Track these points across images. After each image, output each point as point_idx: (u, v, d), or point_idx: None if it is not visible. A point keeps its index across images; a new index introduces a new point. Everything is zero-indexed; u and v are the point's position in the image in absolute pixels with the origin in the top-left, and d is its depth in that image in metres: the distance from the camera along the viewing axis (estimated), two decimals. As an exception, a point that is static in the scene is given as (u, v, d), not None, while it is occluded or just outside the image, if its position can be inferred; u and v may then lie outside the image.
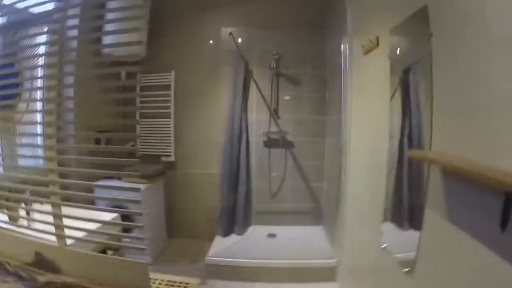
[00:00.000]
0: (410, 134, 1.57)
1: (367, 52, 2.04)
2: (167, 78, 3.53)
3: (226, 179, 3.34)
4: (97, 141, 3.24)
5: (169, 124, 3.54)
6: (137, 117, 3.60)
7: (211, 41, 3.49)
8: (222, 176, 3.35)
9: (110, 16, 3.00)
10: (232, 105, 3.32)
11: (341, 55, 2.64)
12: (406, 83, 1.63)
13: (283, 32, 3.42)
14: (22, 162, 2.19)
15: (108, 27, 3.01)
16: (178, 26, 3.55)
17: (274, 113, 3.46)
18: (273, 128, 3.49)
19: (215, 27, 3.46)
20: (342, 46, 2.66)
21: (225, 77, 3.43)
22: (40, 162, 1.97)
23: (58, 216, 1.61)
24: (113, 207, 3.06)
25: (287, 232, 3.40)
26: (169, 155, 3.57)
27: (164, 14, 3.51)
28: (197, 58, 3.54)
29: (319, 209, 3.54)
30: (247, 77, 3.43)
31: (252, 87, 3.49)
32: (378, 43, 1.89)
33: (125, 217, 3.04)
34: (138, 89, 3.59)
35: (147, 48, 3.29)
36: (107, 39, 3.01)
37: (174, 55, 3.57)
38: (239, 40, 3.41)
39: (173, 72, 3.51)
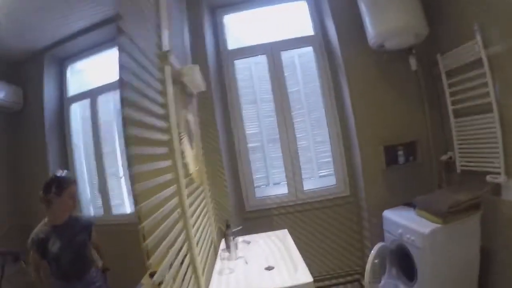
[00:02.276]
0: None
1: None
2: (471, 50, 2.24)
3: None
4: (393, 157, 2.60)
5: (491, 122, 2.19)
6: (451, 117, 2.59)
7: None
8: None
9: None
10: None
11: None
12: None
13: None
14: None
15: (369, 15, 2.45)
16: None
17: None
18: None
19: None
20: None
21: None
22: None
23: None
24: (396, 245, 2.32)
25: None
26: (498, 173, 2.17)
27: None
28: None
29: None
30: None
31: None
32: None
33: (407, 261, 2.20)
34: (444, 78, 2.58)
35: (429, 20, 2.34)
36: (373, 29, 2.43)
37: (473, 14, 2.22)
38: None
39: (478, 38, 2.16)
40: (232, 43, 2.97)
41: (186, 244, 1.32)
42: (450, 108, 2.56)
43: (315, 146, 2.91)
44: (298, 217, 2.78)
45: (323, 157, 2.90)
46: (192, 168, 1.71)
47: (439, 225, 2.06)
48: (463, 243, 2.16)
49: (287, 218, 2.78)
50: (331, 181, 2.89)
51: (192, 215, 1.53)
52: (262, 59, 2.93)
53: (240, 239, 2.14)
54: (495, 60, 2.07)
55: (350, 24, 2.61)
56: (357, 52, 2.63)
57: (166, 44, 1.48)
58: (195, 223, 1.58)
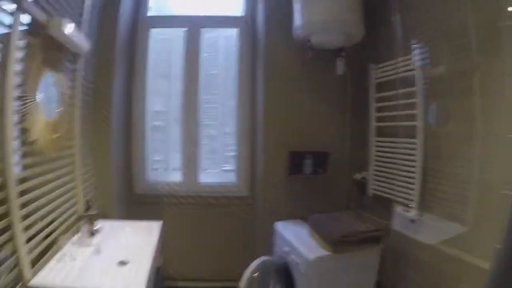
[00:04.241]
0: None
1: None
2: (406, 65, 1.94)
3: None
4: (300, 166, 2.32)
5: (413, 149, 1.91)
6: (372, 134, 2.32)
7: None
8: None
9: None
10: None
11: None
12: None
13: None
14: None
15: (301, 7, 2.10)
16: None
17: None
18: None
19: None
20: None
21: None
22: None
23: None
24: (283, 263, 2.06)
25: None
26: (409, 205, 1.91)
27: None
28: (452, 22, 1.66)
29: None
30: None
31: None
32: None
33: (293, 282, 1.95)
34: (372, 90, 2.29)
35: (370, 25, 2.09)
36: (300, 19, 2.10)
37: (416, 28, 1.90)
38: None
39: (416, 54, 1.83)
40: (156, 9, 2.58)
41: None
42: (373, 124, 2.29)
43: (223, 137, 2.59)
44: (190, 210, 2.48)
45: (230, 151, 2.58)
46: (41, 135, 1.42)
47: (328, 253, 1.81)
48: (356, 277, 1.93)
49: (178, 209, 2.48)
50: (234, 177, 2.60)
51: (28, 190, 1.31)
52: (182, 33, 2.55)
53: (98, 224, 1.85)
54: (431, 81, 1.80)
55: (282, 10, 2.25)
56: (283, 43, 2.29)
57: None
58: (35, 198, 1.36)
